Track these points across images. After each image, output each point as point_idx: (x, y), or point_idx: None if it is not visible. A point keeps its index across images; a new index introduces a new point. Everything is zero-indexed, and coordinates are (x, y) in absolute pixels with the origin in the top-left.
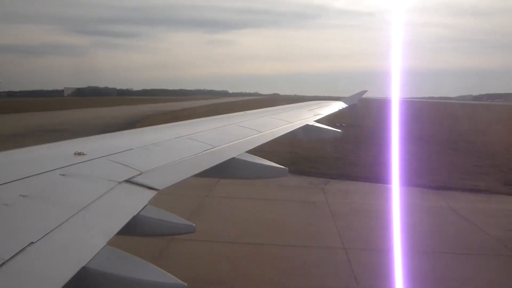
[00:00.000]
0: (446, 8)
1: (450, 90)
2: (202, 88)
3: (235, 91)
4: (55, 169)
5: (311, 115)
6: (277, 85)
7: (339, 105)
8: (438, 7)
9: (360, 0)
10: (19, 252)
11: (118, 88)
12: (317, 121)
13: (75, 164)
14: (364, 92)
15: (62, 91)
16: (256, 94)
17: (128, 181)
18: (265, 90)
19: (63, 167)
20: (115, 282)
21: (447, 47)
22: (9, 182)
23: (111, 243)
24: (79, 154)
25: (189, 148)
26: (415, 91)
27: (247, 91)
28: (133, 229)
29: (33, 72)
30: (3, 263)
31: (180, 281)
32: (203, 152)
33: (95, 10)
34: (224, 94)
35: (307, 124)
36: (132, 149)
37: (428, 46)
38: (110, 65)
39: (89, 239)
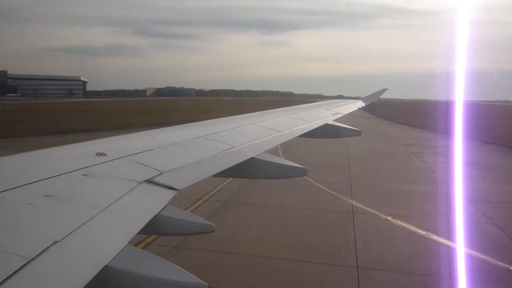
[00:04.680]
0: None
1: None
2: (268, 89)
3: (300, 92)
4: (77, 170)
5: (330, 114)
6: (339, 86)
7: (358, 104)
8: (506, 5)
9: None
10: (43, 251)
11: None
12: (336, 120)
13: (96, 164)
14: (384, 90)
15: (144, 91)
16: (319, 96)
17: (149, 181)
18: (328, 92)
19: (85, 167)
20: (137, 281)
21: None
22: (33, 182)
23: (132, 242)
24: (101, 154)
25: (208, 148)
26: (486, 94)
27: (310, 93)
28: (154, 228)
29: (103, 72)
30: (28, 262)
31: (200, 281)
32: (222, 152)
33: (154, 12)
34: (290, 95)
35: (326, 124)
36: (152, 149)
37: (498, 46)
38: (173, 66)
39: (110, 238)
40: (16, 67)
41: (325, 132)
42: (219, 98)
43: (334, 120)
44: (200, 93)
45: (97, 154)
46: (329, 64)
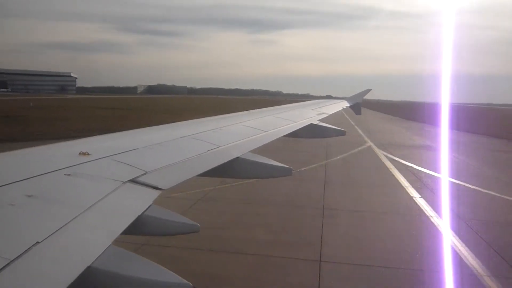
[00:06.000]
0: (499, 9)
1: None
2: (256, 88)
3: (288, 92)
4: (60, 169)
5: (315, 114)
6: (328, 86)
7: (343, 104)
8: (490, 9)
9: (410, 1)
10: (24, 252)
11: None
12: (321, 120)
13: (80, 164)
14: (368, 91)
15: (135, 88)
16: (307, 95)
17: (133, 181)
18: (317, 91)
19: (68, 167)
20: (120, 282)
21: (504, 51)
22: (14, 182)
23: (116, 242)
24: (84, 154)
25: (193, 147)
26: (470, 96)
27: (299, 92)
28: (138, 228)
29: (91, 68)
30: (9, 263)
31: (185, 281)
32: (208, 152)
33: (143, 10)
34: (278, 94)
35: (311, 124)
36: (137, 148)
37: (484, 49)
38: (161, 63)
39: (94, 239)
40: (4, 62)
41: (310, 132)
42: (217, 96)
43: (319, 120)
44: (191, 91)
45: (80, 153)
46: (317, 64)
